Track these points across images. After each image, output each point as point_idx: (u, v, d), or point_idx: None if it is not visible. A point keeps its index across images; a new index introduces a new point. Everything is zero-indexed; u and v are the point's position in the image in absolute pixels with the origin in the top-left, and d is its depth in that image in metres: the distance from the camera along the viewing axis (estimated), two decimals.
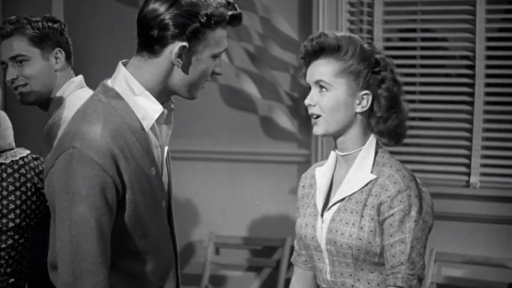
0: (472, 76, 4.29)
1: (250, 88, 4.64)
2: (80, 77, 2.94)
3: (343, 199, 2.29)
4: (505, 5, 4.30)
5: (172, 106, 2.29)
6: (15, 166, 2.41)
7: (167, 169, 2.32)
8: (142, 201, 2.18)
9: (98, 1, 4.95)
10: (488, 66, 4.27)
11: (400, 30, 4.49)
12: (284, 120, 4.64)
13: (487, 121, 4.31)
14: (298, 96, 4.64)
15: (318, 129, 2.31)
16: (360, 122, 2.30)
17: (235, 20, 2.21)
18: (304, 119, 4.62)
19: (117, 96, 2.20)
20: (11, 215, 2.36)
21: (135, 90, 2.20)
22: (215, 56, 2.21)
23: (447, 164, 4.36)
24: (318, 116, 2.29)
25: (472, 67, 4.29)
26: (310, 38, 2.32)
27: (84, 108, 2.20)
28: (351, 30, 4.47)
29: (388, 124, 2.30)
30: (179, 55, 2.16)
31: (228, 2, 2.20)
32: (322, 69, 2.29)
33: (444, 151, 4.30)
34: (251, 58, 4.68)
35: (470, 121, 4.30)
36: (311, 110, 2.30)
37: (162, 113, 2.22)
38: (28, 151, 2.47)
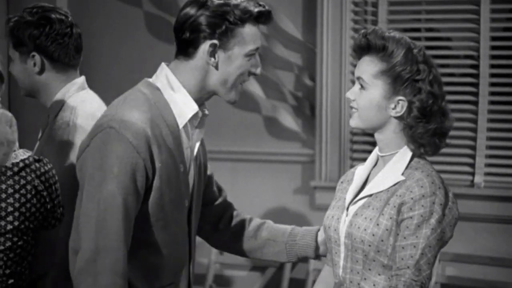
0: (477, 76, 4.29)
1: (254, 87, 4.64)
2: (82, 79, 2.88)
3: (370, 195, 2.30)
4: (510, 5, 4.29)
5: (206, 112, 2.37)
6: (15, 169, 2.39)
7: (194, 170, 2.36)
8: (167, 191, 2.24)
9: (103, 0, 4.95)
10: (493, 66, 4.27)
11: (405, 30, 4.48)
12: (288, 120, 4.64)
13: (491, 120, 4.30)
14: (302, 96, 4.63)
15: (352, 121, 2.34)
16: (395, 125, 2.30)
17: (263, 17, 2.31)
18: (308, 118, 4.62)
19: (157, 90, 2.29)
20: (10, 218, 2.36)
21: (174, 88, 2.29)
22: (248, 55, 2.28)
23: (452, 164, 4.35)
24: (355, 110, 2.32)
25: (476, 66, 4.28)
26: (363, 33, 2.32)
27: (125, 96, 2.29)
28: (355, 30, 4.47)
29: (412, 132, 2.28)
30: (211, 53, 2.25)
31: (256, 1, 2.30)
32: (364, 67, 2.30)
33: (448, 151, 4.28)
34: None
35: (475, 121, 4.30)
36: (350, 103, 2.34)
37: (196, 114, 2.31)
38: (30, 153, 2.46)
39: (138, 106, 2.23)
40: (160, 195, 2.23)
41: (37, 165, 2.44)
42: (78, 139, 2.68)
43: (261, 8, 2.30)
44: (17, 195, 2.38)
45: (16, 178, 2.39)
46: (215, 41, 2.24)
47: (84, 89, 2.88)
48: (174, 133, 2.26)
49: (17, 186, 2.38)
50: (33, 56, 2.80)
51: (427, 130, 2.29)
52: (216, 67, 2.27)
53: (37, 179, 2.42)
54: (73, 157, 2.68)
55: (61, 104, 2.83)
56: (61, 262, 2.60)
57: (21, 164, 2.41)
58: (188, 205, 2.34)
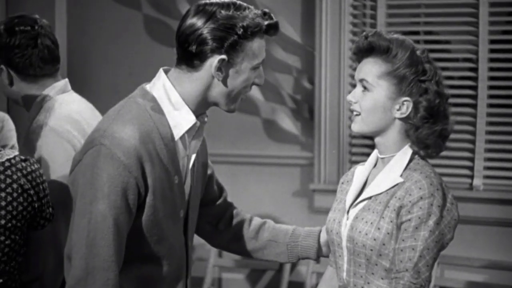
0: (475, 79, 4.29)
1: (253, 91, 4.61)
2: (64, 82, 2.85)
3: (369, 198, 2.29)
4: (508, 8, 4.29)
5: (206, 119, 2.30)
6: (1, 168, 2.38)
7: (190, 179, 2.33)
8: (161, 207, 2.20)
9: (102, 2, 4.96)
10: (491, 69, 4.27)
11: (403, 33, 4.47)
12: (287, 123, 4.64)
13: (490, 123, 4.30)
14: (301, 99, 4.63)
15: (355, 126, 2.31)
16: (399, 127, 2.29)
17: (272, 29, 2.24)
18: (307, 121, 4.62)
19: (154, 101, 2.22)
20: None
21: (171, 98, 2.22)
22: (254, 68, 2.22)
23: (451, 167, 4.35)
24: (357, 114, 2.30)
25: (475, 69, 4.29)
26: (364, 35, 2.30)
27: (119, 108, 2.22)
28: (354, 33, 4.47)
29: (418, 133, 2.27)
30: (218, 68, 2.18)
31: (264, 12, 2.22)
32: (368, 69, 2.28)
33: (447, 154, 4.29)
34: None
35: (473, 124, 4.30)
36: (352, 107, 2.31)
37: (194, 124, 2.24)
38: (16, 153, 2.45)
39: (131, 120, 2.17)
40: (153, 212, 2.19)
41: (24, 164, 2.43)
42: (50, 141, 2.67)
43: (270, 21, 2.22)
44: (3, 194, 2.37)
45: (2, 177, 2.38)
46: (224, 57, 2.16)
47: (65, 92, 2.84)
48: (169, 145, 2.21)
49: (2, 185, 2.37)
50: (1, 69, 2.79)
51: (433, 131, 2.28)
52: (222, 81, 2.20)
53: (24, 178, 2.41)
54: (46, 160, 2.67)
55: (39, 108, 2.81)
56: (56, 264, 2.60)
57: (6, 164, 2.40)
58: (183, 215, 2.31)
